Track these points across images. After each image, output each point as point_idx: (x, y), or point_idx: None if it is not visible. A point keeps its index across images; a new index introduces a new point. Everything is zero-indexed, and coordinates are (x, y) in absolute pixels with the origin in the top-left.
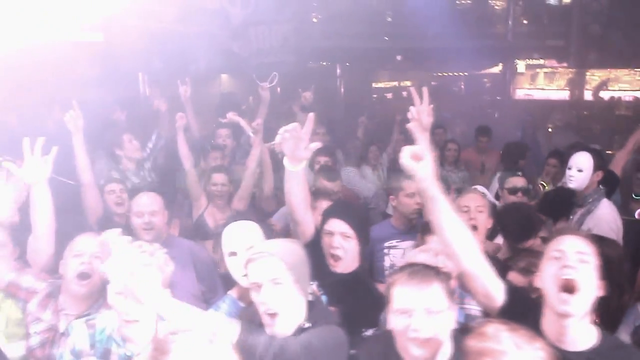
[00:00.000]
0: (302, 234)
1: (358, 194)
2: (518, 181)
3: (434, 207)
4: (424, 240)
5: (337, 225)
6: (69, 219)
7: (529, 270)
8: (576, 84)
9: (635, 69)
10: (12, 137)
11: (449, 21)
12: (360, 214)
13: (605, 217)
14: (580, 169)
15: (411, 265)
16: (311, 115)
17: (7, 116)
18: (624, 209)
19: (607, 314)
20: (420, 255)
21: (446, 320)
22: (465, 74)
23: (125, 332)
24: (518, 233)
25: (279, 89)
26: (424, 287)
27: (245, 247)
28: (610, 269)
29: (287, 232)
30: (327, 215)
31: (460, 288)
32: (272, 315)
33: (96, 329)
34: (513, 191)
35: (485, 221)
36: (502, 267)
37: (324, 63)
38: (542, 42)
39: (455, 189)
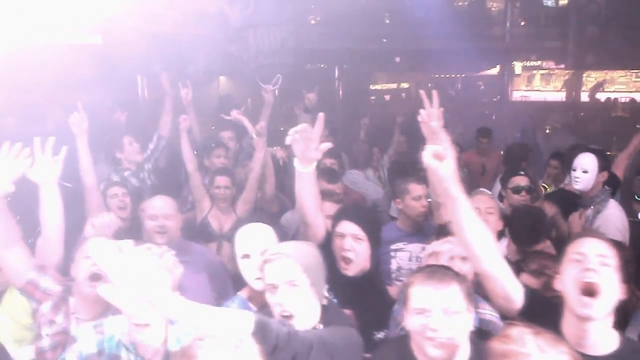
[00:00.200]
0: (313, 237)
1: (365, 196)
2: (521, 180)
3: (455, 207)
4: None
5: (348, 228)
6: (69, 222)
7: (541, 272)
8: (573, 86)
9: (632, 71)
10: (11, 138)
11: (447, 23)
12: (371, 216)
13: (613, 217)
14: (586, 170)
15: (429, 266)
16: (321, 115)
17: (5, 118)
18: (627, 211)
19: (623, 317)
20: (446, 245)
21: (464, 321)
22: (463, 75)
23: (136, 336)
24: (529, 237)
25: (276, 91)
26: (442, 287)
27: (258, 249)
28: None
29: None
30: (339, 217)
31: (474, 292)
32: (288, 317)
33: (105, 335)
34: (517, 190)
35: (495, 223)
36: (513, 269)
37: (322, 65)
38: (539, 44)
39: None
